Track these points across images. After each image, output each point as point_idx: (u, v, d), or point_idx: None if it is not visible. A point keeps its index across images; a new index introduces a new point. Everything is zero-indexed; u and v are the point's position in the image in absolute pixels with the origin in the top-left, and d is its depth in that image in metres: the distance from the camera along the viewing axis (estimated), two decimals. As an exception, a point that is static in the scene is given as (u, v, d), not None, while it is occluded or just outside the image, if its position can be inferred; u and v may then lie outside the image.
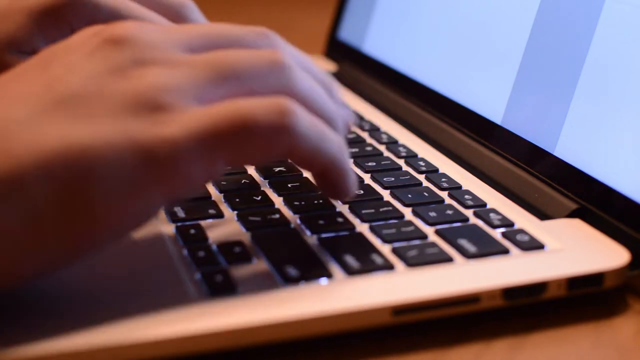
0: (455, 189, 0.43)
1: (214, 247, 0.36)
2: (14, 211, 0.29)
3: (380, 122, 0.53)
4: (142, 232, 0.37)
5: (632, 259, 0.36)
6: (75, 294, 0.32)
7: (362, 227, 0.38)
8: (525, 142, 0.45)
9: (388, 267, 0.35)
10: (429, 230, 0.38)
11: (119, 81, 0.31)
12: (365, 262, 0.35)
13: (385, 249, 0.36)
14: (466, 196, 0.41)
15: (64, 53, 0.33)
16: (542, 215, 0.41)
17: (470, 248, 0.36)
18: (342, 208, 0.40)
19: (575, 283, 0.35)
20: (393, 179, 0.44)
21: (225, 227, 0.38)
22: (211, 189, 0.42)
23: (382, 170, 0.45)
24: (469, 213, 0.40)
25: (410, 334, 0.34)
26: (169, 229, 0.38)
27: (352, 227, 0.38)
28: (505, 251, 0.36)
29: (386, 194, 0.42)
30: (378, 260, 0.35)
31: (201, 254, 0.35)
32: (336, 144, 0.34)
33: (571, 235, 0.38)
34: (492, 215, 0.39)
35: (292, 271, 0.34)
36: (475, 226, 0.38)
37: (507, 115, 0.47)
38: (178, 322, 0.31)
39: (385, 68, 0.61)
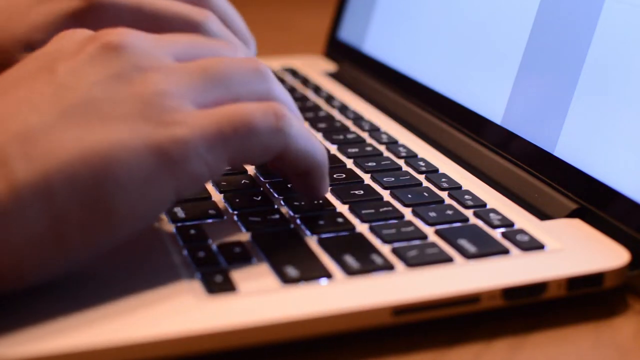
0: (455, 189, 0.43)
1: (214, 247, 0.36)
2: (40, 216, 0.30)
3: (380, 122, 0.53)
4: (142, 233, 0.37)
5: (632, 259, 0.36)
6: (74, 294, 0.33)
7: (362, 227, 0.38)
8: (525, 142, 0.45)
9: (388, 267, 0.35)
10: (429, 231, 0.38)
11: (124, 87, 0.33)
12: (365, 262, 0.35)
13: (385, 249, 0.36)
14: (466, 196, 0.41)
15: (64, 59, 0.34)
16: (542, 215, 0.41)
17: (470, 248, 0.36)
18: (342, 208, 0.40)
19: (575, 283, 0.35)
20: (393, 179, 0.44)
21: (225, 227, 0.38)
22: (211, 189, 0.42)
23: (382, 170, 0.45)
24: (469, 213, 0.40)
25: (410, 334, 0.34)
26: (169, 229, 0.38)
27: (352, 227, 0.38)
28: (505, 251, 0.36)
29: (386, 194, 0.42)
30: (378, 260, 0.35)
31: (201, 254, 0.35)
32: (320, 147, 0.37)
33: (571, 235, 0.38)
34: (492, 215, 0.39)
35: (292, 271, 0.34)
36: (475, 226, 0.38)
37: (507, 115, 0.47)
38: (178, 322, 0.31)
39: (385, 68, 0.61)
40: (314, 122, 0.53)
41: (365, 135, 0.51)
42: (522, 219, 0.39)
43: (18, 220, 0.30)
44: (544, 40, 0.46)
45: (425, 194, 0.42)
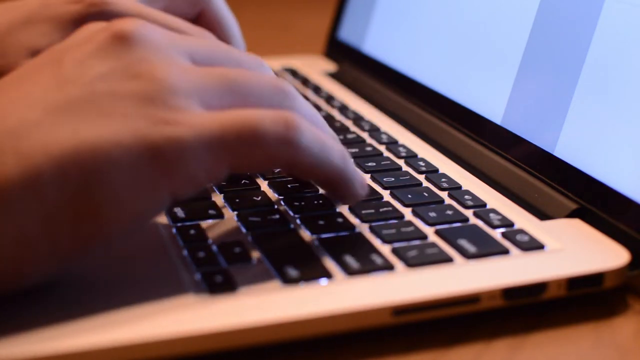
0: (455, 189, 0.43)
1: (214, 247, 0.36)
2: (29, 212, 0.30)
3: (380, 122, 0.53)
4: (142, 233, 0.37)
5: (632, 259, 0.36)
6: (74, 294, 0.33)
7: (362, 228, 0.38)
8: (525, 142, 0.45)
9: (388, 267, 0.35)
10: (428, 231, 0.38)
11: (128, 81, 0.32)
12: (365, 262, 0.35)
13: (385, 249, 0.36)
14: (466, 196, 0.41)
15: (72, 49, 0.33)
16: (542, 215, 0.41)
17: (470, 248, 0.36)
18: (342, 208, 0.40)
19: (575, 283, 0.35)
20: (393, 179, 0.44)
21: (225, 227, 0.38)
22: (211, 189, 0.42)
23: (382, 170, 0.45)
24: (468, 213, 0.40)
25: (410, 334, 0.34)
26: (169, 229, 0.38)
27: (352, 227, 0.38)
28: (505, 251, 0.36)
29: (386, 194, 0.42)
30: (378, 260, 0.35)
31: (201, 254, 0.35)
32: (338, 155, 0.35)
33: (571, 235, 0.38)
34: (492, 215, 0.39)
35: (292, 271, 0.34)
36: (475, 226, 0.38)
37: (507, 115, 0.47)
38: (178, 322, 0.31)
39: (385, 68, 0.61)
40: (314, 122, 0.53)
41: (365, 136, 0.51)
42: (522, 219, 0.39)
43: (7, 215, 0.29)
44: (544, 40, 0.46)
45: (425, 194, 0.42)
